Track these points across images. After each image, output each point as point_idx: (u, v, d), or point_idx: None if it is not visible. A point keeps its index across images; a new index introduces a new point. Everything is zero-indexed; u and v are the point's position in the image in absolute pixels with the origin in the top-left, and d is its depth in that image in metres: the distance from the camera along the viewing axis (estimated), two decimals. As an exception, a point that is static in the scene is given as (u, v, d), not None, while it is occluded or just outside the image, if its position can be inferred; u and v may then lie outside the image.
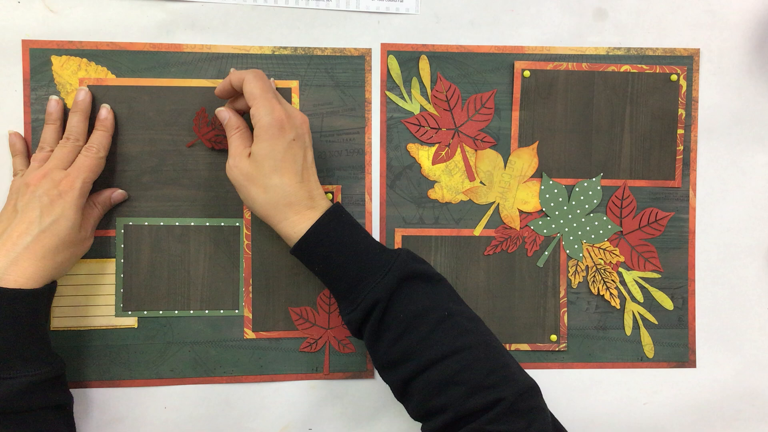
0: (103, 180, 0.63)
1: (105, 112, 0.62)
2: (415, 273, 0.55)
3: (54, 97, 0.62)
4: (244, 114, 0.61)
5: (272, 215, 0.56)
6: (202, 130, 0.63)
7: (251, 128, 0.57)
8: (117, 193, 0.63)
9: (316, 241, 0.55)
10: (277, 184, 0.55)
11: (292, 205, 0.56)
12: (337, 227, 0.56)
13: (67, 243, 0.56)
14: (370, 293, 0.54)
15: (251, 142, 0.57)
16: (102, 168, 0.61)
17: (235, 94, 0.60)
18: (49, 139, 0.61)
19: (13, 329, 0.52)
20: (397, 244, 0.66)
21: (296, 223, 0.56)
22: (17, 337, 0.52)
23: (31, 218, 0.55)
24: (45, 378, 0.54)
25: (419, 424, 0.56)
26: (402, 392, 0.55)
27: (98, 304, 0.63)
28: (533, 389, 0.53)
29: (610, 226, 0.67)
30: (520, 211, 0.67)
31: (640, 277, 0.68)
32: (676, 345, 0.68)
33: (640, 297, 0.68)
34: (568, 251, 0.67)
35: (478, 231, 0.67)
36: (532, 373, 0.67)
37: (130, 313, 0.64)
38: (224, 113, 0.59)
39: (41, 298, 0.54)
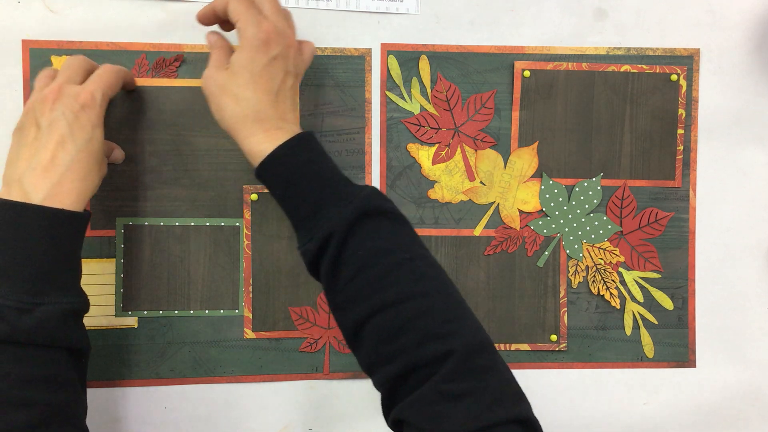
0: (103, 180, 0.63)
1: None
2: (380, 210, 0.51)
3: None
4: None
5: (240, 129, 0.54)
6: (143, 77, 0.63)
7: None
8: (118, 150, 0.63)
9: (280, 162, 0.52)
10: (250, 98, 0.53)
11: (262, 121, 0.53)
12: (304, 152, 0.53)
13: (99, 164, 0.55)
14: (327, 223, 0.50)
15: None
16: (119, 86, 0.58)
17: (217, 22, 0.58)
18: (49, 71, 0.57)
19: (53, 253, 0.50)
20: (397, 244, 0.66)
21: (262, 141, 0.53)
22: (55, 261, 0.50)
23: (62, 133, 0.52)
24: (77, 309, 0.52)
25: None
26: (354, 337, 0.51)
27: (98, 304, 0.63)
28: (487, 345, 0.49)
29: (610, 226, 0.67)
30: (520, 211, 0.67)
31: (640, 277, 0.68)
32: (676, 345, 0.68)
33: (640, 297, 0.68)
34: (568, 251, 0.67)
35: (478, 231, 0.67)
36: (532, 373, 0.68)
37: (130, 313, 0.64)
38: (211, 36, 0.58)
39: (84, 222, 0.53)
